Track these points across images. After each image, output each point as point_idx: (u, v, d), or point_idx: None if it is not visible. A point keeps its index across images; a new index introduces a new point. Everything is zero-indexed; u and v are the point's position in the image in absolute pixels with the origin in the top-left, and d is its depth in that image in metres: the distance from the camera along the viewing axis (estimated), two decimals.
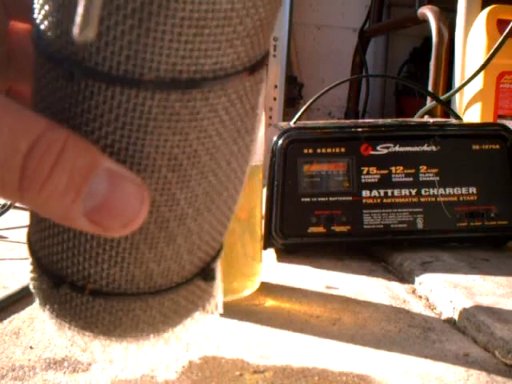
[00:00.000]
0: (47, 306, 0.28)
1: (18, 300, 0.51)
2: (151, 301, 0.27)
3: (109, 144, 0.22)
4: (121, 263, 0.25)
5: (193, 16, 0.21)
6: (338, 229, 0.67)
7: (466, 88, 1.03)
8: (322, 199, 0.67)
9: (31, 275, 0.28)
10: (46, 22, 0.22)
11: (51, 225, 0.25)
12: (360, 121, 1.29)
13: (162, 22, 0.20)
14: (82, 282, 0.26)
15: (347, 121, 1.52)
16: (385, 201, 0.68)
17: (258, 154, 0.55)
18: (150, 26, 0.20)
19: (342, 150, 0.68)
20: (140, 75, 0.21)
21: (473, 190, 0.69)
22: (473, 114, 1.06)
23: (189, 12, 0.20)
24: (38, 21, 0.22)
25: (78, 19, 0.19)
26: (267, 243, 0.66)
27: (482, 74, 1.01)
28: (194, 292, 0.29)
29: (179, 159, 0.23)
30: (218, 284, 0.32)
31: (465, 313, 0.49)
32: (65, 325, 0.28)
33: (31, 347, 0.42)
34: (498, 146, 0.70)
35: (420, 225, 0.68)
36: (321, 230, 0.66)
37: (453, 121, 0.80)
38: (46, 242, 0.26)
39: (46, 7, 0.22)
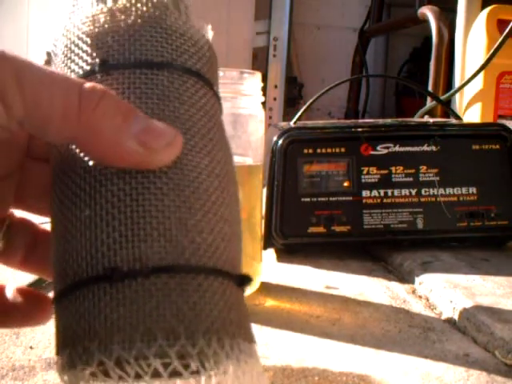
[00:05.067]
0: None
1: None
2: (205, 283, 0.23)
3: None
4: (169, 231, 0.23)
5: None
6: (338, 229, 0.67)
7: (466, 88, 1.03)
8: (322, 199, 0.67)
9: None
10: None
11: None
12: (360, 121, 1.29)
13: None
14: (138, 264, 0.23)
15: (347, 121, 1.52)
16: (385, 201, 0.68)
17: (258, 154, 0.55)
18: None
19: (342, 149, 0.68)
20: None
21: (473, 190, 0.69)
22: (473, 114, 1.06)
23: None
24: None
25: None
26: (267, 243, 0.66)
27: (481, 74, 1.01)
28: (237, 295, 0.25)
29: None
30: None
31: (465, 313, 0.49)
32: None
33: (31, 347, 0.42)
34: (498, 146, 0.70)
35: (420, 225, 0.68)
36: (321, 229, 0.66)
37: (453, 121, 0.80)
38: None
39: None
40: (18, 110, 0.22)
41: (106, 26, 0.26)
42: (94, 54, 0.25)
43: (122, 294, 0.22)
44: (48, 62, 0.27)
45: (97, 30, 0.26)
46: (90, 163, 0.24)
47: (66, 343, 0.23)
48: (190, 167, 0.25)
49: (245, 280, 0.26)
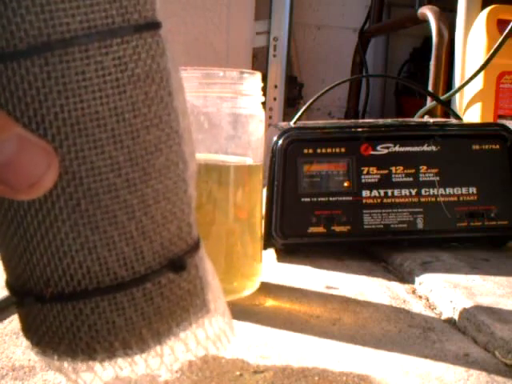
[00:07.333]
0: (28, 334, 0.27)
1: None
2: (118, 296, 0.24)
3: (18, 116, 0.23)
4: (69, 252, 0.24)
5: None
6: (338, 229, 0.67)
7: (466, 88, 1.03)
8: (322, 199, 0.67)
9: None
10: None
11: (5, 242, 0.25)
12: (360, 121, 1.29)
13: None
14: (44, 289, 0.25)
15: (347, 121, 1.52)
16: (385, 201, 0.68)
17: (258, 154, 0.55)
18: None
19: (342, 150, 0.68)
20: (14, 47, 0.22)
21: (473, 190, 0.69)
22: (473, 114, 1.06)
23: None
24: None
25: None
26: (267, 243, 0.66)
27: (482, 74, 1.01)
28: (169, 287, 0.25)
29: (82, 122, 0.23)
30: (205, 281, 0.28)
31: (465, 313, 0.49)
32: (49, 353, 0.27)
33: None
34: (497, 146, 0.70)
35: (420, 225, 0.68)
36: (321, 230, 0.66)
37: (453, 121, 0.80)
38: (6, 260, 0.26)
39: None
40: None
41: None
42: None
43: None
44: None
45: None
46: None
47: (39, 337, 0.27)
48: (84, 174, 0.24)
49: (176, 264, 0.25)
